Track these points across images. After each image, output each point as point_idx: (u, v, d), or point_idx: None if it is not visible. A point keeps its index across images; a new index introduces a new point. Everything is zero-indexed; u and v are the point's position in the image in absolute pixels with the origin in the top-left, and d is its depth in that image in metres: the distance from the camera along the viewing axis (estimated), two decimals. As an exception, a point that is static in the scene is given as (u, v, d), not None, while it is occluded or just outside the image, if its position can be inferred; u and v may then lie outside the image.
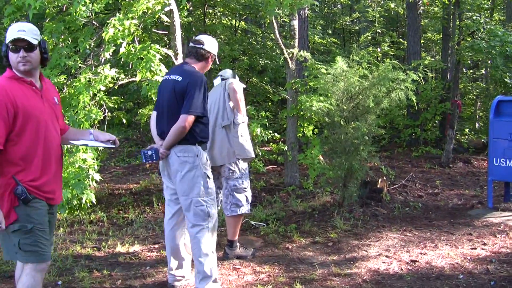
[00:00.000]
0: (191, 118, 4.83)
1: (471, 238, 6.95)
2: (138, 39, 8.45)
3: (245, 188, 6.23)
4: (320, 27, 19.56)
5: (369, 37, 16.14)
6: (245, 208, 6.23)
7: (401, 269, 5.82)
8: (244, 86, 6.65)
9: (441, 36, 18.20)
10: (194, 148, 4.94)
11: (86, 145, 4.43)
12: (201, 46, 5.17)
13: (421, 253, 6.33)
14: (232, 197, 6.17)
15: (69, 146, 7.38)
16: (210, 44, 5.25)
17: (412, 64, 12.70)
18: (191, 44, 5.29)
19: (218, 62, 5.65)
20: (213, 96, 6.22)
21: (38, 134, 3.84)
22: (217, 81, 6.51)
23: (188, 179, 4.92)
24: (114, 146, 4.33)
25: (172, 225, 5.30)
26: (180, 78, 4.97)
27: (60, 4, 8.14)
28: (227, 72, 6.54)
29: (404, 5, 18.59)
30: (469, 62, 16.40)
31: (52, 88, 4.20)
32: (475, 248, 6.49)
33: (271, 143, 11.60)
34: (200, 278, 4.95)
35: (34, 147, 3.82)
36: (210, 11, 16.84)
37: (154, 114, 5.31)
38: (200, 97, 4.87)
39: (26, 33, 3.77)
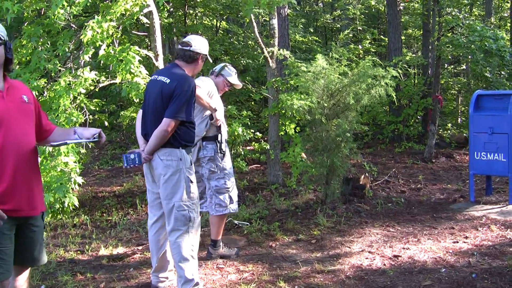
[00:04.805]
0: (173, 123, 4.76)
1: (453, 232, 7.00)
2: (117, 41, 8.41)
3: (228, 188, 6.19)
4: (301, 26, 19.63)
5: (350, 35, 16.18)
6: (230, 208, 6.22)
7: (384, 265, 5.86)
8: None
9: (421, 32, 18.28)
10: (178, 151, 4.87)
11: (66, 143, 4.06)
12: (189, 48, 5.04)
13: (403, 248, 6.37)
14: (215, 197, 6.15)
15: (50, 149, 7.34)
16: (199, 44, 5.10)
17: (394, 61, 12.78)
18: (179, 46, 5.18)
19: (211, 61, 5.53)
20: None
21: None
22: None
23: (171, 182, 4.86)
24: (96, 139, 3.97)
25: (156, 229, 5.25)
26: (168, 80, 4.87)
27: (38, 8, 8.10)
28: (218, 67, 6.43)
29: (385, 2, 18.66)
30: (450, 57, 16.50)
31: (20, 86, 3.78)
32: (457, 242, 6.54)
33: (254, 142, 11.63)
34: (182, 282, 4.91)
35: None
36: (191, 11, 16.83)
37: (140, 113, 5.24)
38: (186, 102, 4.79)
39: None
